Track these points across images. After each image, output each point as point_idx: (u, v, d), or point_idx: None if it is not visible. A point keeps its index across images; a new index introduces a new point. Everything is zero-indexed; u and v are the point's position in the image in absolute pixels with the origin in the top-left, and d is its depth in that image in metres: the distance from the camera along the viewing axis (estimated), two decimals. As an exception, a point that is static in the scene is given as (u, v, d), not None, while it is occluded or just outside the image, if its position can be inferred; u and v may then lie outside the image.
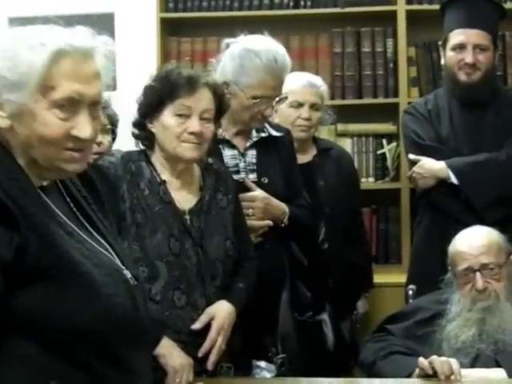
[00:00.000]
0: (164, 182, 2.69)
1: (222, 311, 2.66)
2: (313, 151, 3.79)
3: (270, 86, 2.99)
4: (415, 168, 3.63)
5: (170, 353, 2.55)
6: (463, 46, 3.57)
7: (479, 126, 3.62)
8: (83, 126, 1.74)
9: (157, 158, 2.74)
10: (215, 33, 4.41)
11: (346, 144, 4.37)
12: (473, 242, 2.97)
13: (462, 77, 3.58)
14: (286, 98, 3.12)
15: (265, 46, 3.00)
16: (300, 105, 3.69)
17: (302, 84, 3.70)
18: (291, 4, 4.49)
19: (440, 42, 3.75)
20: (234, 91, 2.95)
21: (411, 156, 3.67)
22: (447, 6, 3.69)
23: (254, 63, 2.96)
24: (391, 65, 4.45)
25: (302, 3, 4.49)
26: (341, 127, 4.43)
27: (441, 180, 3.56)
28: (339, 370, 3.35)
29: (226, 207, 2.78)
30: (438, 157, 3.59)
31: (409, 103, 4.15)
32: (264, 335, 2.94)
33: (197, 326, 2.62)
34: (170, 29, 4.62)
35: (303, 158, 3.67)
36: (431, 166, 3.59)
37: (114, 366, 1.75)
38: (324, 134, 4.29)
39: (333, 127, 4.37)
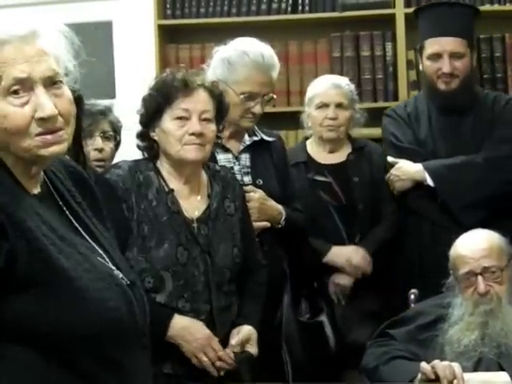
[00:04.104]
0: (172, 190, 2.70)
1: (244, 327, 2.70)
2: (347, 150, 3.85)
3: (257, 82, 3.06)
4: (392, 170, 3.64)
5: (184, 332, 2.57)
6: (439, 55, 3.55)
7: (458, 128, 3.62)
8: (43, 105, 1.67)
9: (163, 167, 2.75)
10: (213, 39, 4.37)
11: (347, 148, 4.34)
12: (474, 245, 2.96)
13: (441, 86, 3.58)
14: (273, 97, 3.15)
15: (252, 45, 3.10)
16: (325, 105, 3.76)
17: (326, 86, 3.79)
18: (289, 9, 4.49)
19: (418, 46, 3.71)
20: (223, 89, 2.98)
21: (389, 158, 3.67)
22: (420, 12, 3.69)
23: (242, 60, 3.05)
24: (391, 68, 4.45)
25: (300, 8, 4.49)
26: (341, 132, 4.42)
27: (417, 182, 3.56)
28: (341, 370, 3.41)
29: (234, 214, 2.79)
30: (415, 159, 3.59)
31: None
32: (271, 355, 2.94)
33: (234, 339, 2.66)
34: (168, 36, 4.62)
35: (336, 158, 3.80)
36: (408, 169, 3.59)
37: (110, 370, 1.73)
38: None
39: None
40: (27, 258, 1.64)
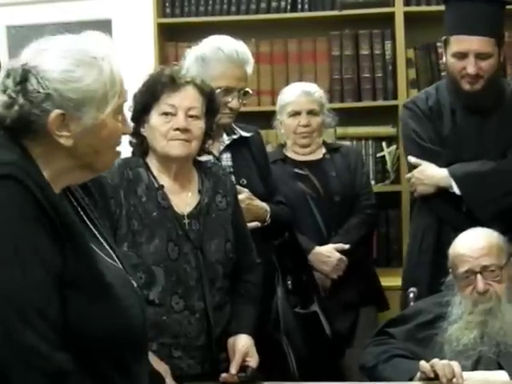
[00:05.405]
0: (162, 186, 2.70)
1: (239, 339, 2.68)
2: (322, 151, 3.95)
3: (232, 76, 3.09)
4: (415, 173, 3.51)
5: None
6: (465, 54, 3.35)
7: (482, 128, 3.46)
8: (128, 122, 1.85)
9: (153, 163, 2.75)
10: (213, 37, 4.40)
11: (346, 147, 4.36)
12: (473, 244, 2.95)
13: (465, 86, 3.38)
14: (249, 92, 3.17)
15: (226, 41, 3.14)
16: (297, 113, 3.88)
17: (296, 94, 3.90)
18: (288, 7, 4.49)
19: (442, 39, 3.49)
20: None
21: (412, 159, 3.54)
22: (448, 3, 3.46)
23: (217, 55, 3.09)
24: (390, 67, 4.44)
25: (300, 6, 4.49)
26: (340, 130, 4.42)
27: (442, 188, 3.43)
28: (337, 357, 3.46)
29: (226, 209, 2.78)
30: (438, 161, 3.46)
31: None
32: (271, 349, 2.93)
33: (233, 367, 2.62)
34: (167, 34, 4.62)
35: (313, 157, 3.91)
36: (433, 174, 3.46)
37: (123, 374, 1.76)
38: (323, 137, 4.27)
39: (332, 130, 4.36)
40: (74, 263, 1.66)
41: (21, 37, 4.74)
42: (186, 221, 2.68)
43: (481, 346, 2.82)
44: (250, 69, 3.15)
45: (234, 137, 3.20)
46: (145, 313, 1.84)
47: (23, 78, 1.68)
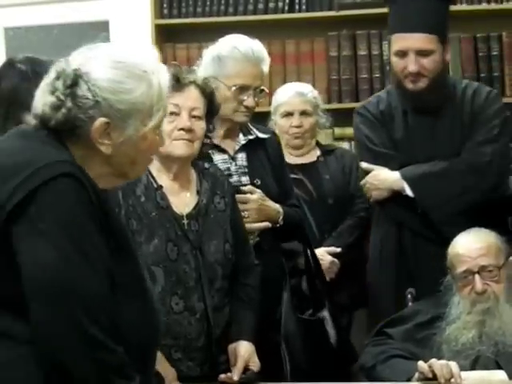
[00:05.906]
0: (161, 187, 2.70)
1: (241, 345, 2.68)
2: (316, 153, 3.96)
3: (248, 75, 3.09)
4: (368, 178, 3.41)
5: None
6: (405, 52, 3.26)
7: (435, 128, 3.39)
8: (162, 136, 1.89)
9: (152, 163, 2.74)
10: (210, 38, 4.32)
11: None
12: (471, 244, 2.96)
13: (409, 85, 3.29)
14: (264, 90, 3.18)
15: (242, 40, 3.15)
16: (290, 114, 3.89)
17: (289, 95, 3.92)
18: (286, 8, 4.49)
19: (387, 39, 3.45)
20: (215, 85, 2.99)
21: (364, 164, 3.45)
22: (388, 3, 3.43)
23: (232, 54, 3.09)
24: (388, 67, 4.43)
25: (297, 7, 4.50)
26: (338, 131, 4.43)
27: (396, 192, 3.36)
28: (342, 366, 3.36)
29: (224, 210, 2.78)
30: (391, 164, 3.37)
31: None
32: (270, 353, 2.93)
33: (235, 374, 2.63)
34: (165, 35, 4.62)
35: (306, 159, 3.92)
36: (385, 177, 3.36)
37: (143, 379, 1.77)
38: (321, 138, 4.28)
39: (330, 131, 4.37)
40: (119, 261, 1.69)
41: (19, 38, 4.75)
42: (185, 221, 2.69)
43: (479, 345, 2.83)
44: (266, 67, 3.15)
45: (250, 137, 3.19)
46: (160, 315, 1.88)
47: (74, 82, 1.72)
